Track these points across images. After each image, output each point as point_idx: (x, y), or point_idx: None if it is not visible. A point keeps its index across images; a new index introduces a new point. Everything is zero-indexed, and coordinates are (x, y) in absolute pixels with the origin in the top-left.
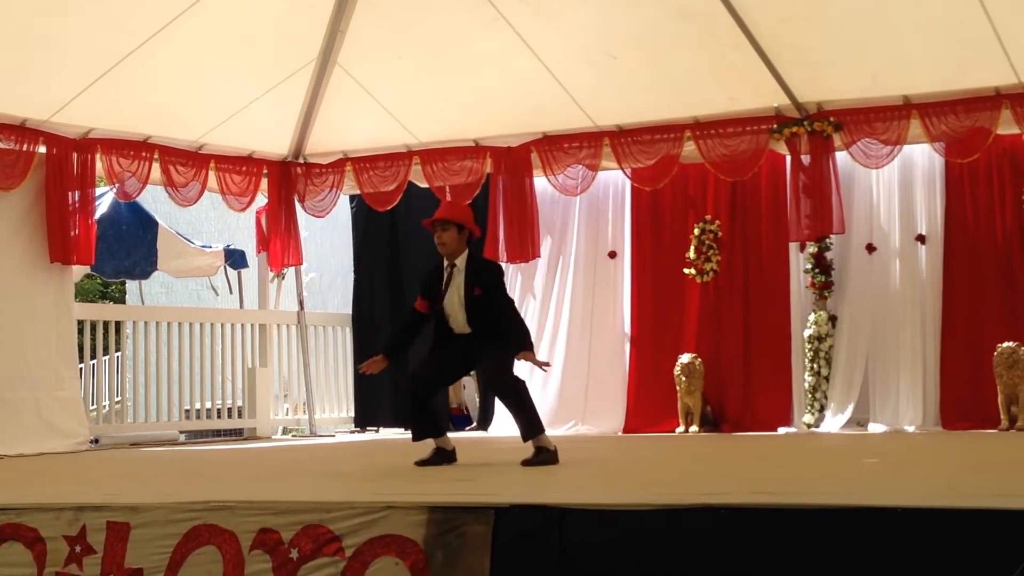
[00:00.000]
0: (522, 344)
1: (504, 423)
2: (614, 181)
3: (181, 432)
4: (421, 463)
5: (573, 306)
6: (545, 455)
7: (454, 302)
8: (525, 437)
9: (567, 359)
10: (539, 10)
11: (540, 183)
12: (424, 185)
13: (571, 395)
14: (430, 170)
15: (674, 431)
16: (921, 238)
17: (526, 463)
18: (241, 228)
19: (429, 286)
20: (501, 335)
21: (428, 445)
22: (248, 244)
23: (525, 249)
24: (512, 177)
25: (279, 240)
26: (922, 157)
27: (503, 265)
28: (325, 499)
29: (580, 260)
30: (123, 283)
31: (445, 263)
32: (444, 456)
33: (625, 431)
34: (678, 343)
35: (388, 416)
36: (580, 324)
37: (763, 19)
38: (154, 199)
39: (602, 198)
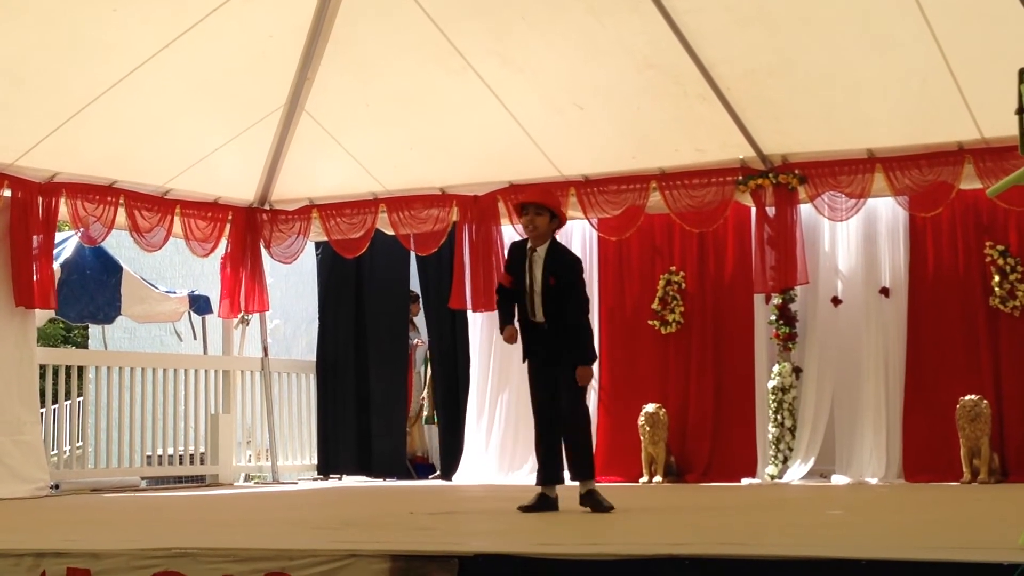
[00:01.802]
0: (589, 356)
1: (469, 471)
2: (581, 230)
3: (143, 478)
4: (526, 509)
5: None
6: (598, 498)
7: (532, 288)
8: (579, 476)
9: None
10: (506, 60)
11: (511, 231)
12: (390, 232)
13: None
14: (396, 218)
15: (638, 481)
16: (885, 291)
17: (586, 503)
18: (206, 274)
19: (514, 265)
20: (575, 339)
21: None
22: (212, 290)
23: (491, 297)
24: (479, 225)
25: (240, 286)
26: (886, 210)
27: (470, 313)
28: (288, 547)
29: None
30: (86, 328)
31: (529, 246)
32: (549, 503)
33: (597, 480)
34: (643, 393)
35: (351, 464)
36: None
37: (729, 72)
38: (119, 244)
39: (574, 247)
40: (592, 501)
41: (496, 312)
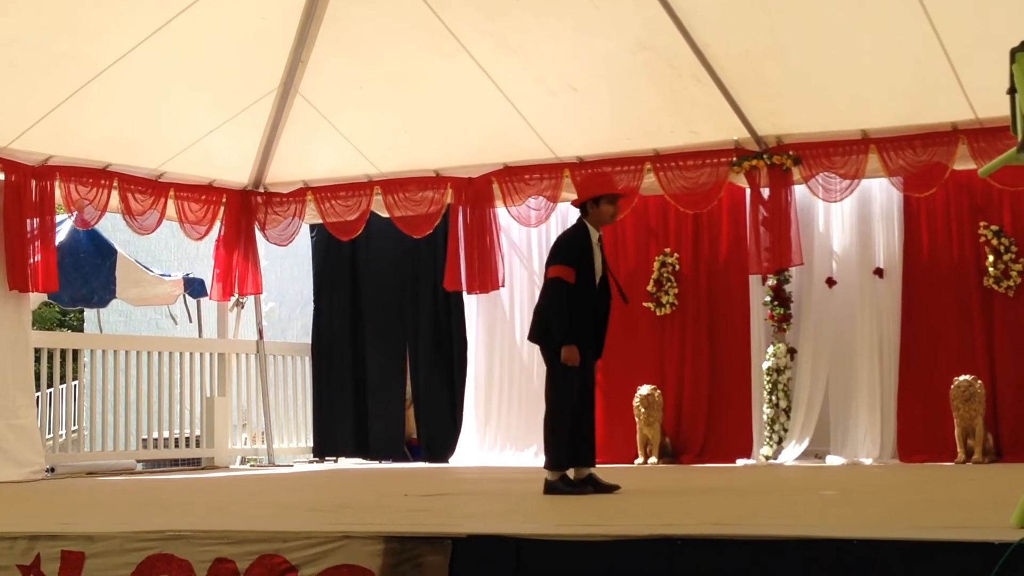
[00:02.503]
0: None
1: (465, 453)
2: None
3: (138, 461)
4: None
5: None
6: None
7: (598, 277)
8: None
9: (534, 389)
10: (500, 42)
11: (505, 213)
12: (384, 215)
13: (537, 424)
14: (391, 200)
15: (633, 462)
16: (879, 272)
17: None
18: (201, 257)
19: (583, 258)
20: (606, 325)
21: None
22: (208, 273)
23: (486, 280)
24: (473, 208)
25: (234, 269)
26: (880, 191)
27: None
28: (281, 528)
29: None
30: (81, 311)
31: (594, 235)
32: (599, 484)
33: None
34: (638, 375)
35: (347, 446)
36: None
37: (723, 53)
38: (113, 227)
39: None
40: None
41: (565, 316)
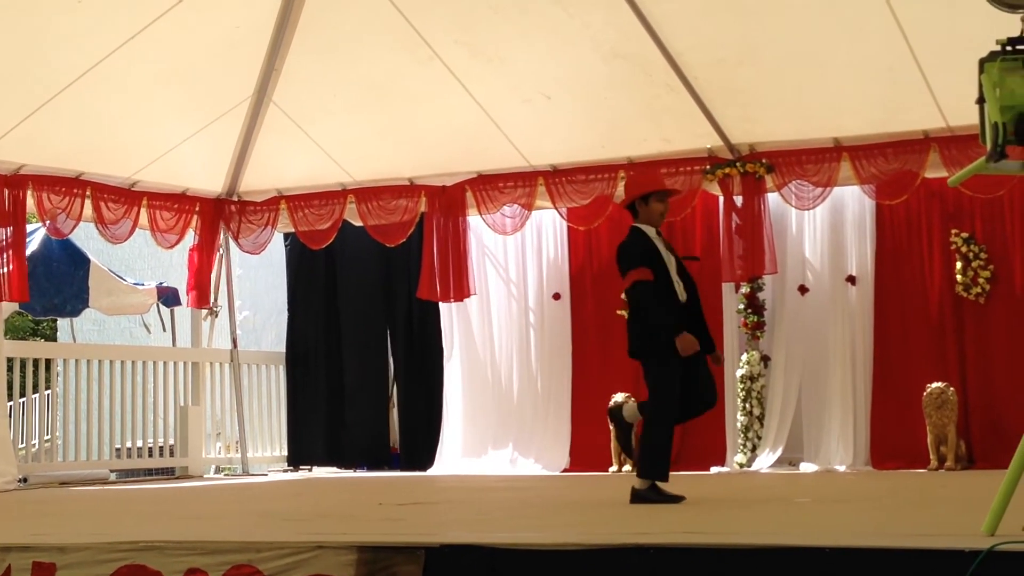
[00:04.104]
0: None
1: (443, 462)
2: (551, 219)
3: (112, 471)
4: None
5: (521, 346)
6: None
7: (674, 270)
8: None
9: (511, 397)
10: (474, 50)
11: (479, 222)
12: (358, 223)
13: (521, 433)
14: (364, 208)
15: (608, 470)
16: (852, 279)
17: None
18: (175, 266)
19: (651, 257)
20: (702, 315)
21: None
22: (181, 282)
23: (459, 288)
24: (447, 216)
25: (207, 278)
26: (852, 199)
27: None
28: (254, 539)
29: (527, 300)
30: (55, 320)
31: (655, 233)
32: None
33: (570, 469)
34: (612, 382)
35: (321, 455)
36: (530, 364)
37: (696, 61)
38: (87, 236)
39: (544, 237)
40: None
41: (655, 311)
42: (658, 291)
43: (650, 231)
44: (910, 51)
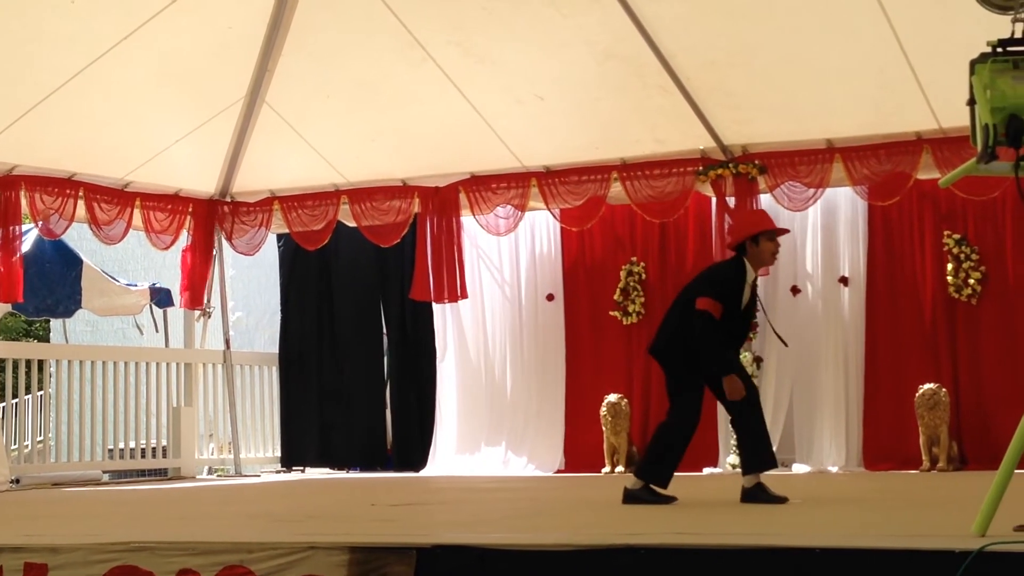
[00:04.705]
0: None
1: (437, 463)
2: (544, 220)
3: (105, 472)
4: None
5: (515, 347)
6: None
7: (740, 315)
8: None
9: (504, 397)
10: (467, 51)
11: (472, 223)
12: (352, 224)
13: (514, 433)
14: (358, 209)
15: (600, 471)
16: (844, 280)
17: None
18: (167, 266)
19: (732, 298)
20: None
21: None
22: (174, 283)
23: (453, 289)
24: (440, 217)
25: (201, 279)
26: (845, 200)
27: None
28: (246, 539)
29: (520, 301)
30: (47, 321)
31: (750, 275)
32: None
33: (564, 470)
34: (605, 383)
35: (314, 456)
36: (523, 365)
37: (689, 62)
38: (80, 236)
39: (538, 238)
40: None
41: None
42: (719, 328)
43: (751, 275)
44: (902, 52)
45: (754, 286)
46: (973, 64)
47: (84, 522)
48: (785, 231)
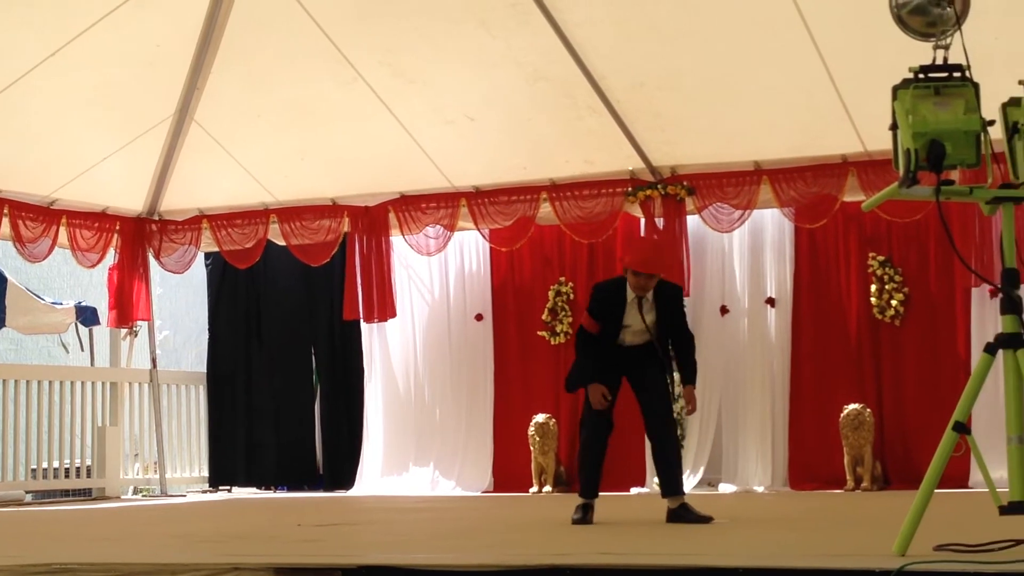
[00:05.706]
0: (694, 377)
1: (366, 482)
2: (473, 241)
3: (27, 492)
4: (580, 521)
5: (443, 366)
6: (694, 514)
7: (635, 325)
8: (673, 491)
9: (432, 417)
10: (397, 71)
11: (401, 243)
12: (281, 243)
13: (443, 453)
14: (287, 228)
15: (528, 491)
16: (771, 301)
17: (681, 518)
18: (94, 285)
19: (611, 311)
20: (666, 362)
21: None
22: (101, 301)
23: (382, 308)
24: (370, 236)
25: (128, 297)
26: (772, 222)
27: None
28: (170, 560)
29: (449, 321)
30: None
31: (631, 296)
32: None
33: (492, 490)
34: (533, 403)
35: (242, 475)
36: (451, 384)
37: (618, 84)
38: (4, 254)
39: (467, 258)
40: (694, 517)
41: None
42: (590, 342)
43: (631, 295)
44: (829, 77)
45: (672, 303)
46: (895, 90)
47: (5, 543)
48: (649, 273)
